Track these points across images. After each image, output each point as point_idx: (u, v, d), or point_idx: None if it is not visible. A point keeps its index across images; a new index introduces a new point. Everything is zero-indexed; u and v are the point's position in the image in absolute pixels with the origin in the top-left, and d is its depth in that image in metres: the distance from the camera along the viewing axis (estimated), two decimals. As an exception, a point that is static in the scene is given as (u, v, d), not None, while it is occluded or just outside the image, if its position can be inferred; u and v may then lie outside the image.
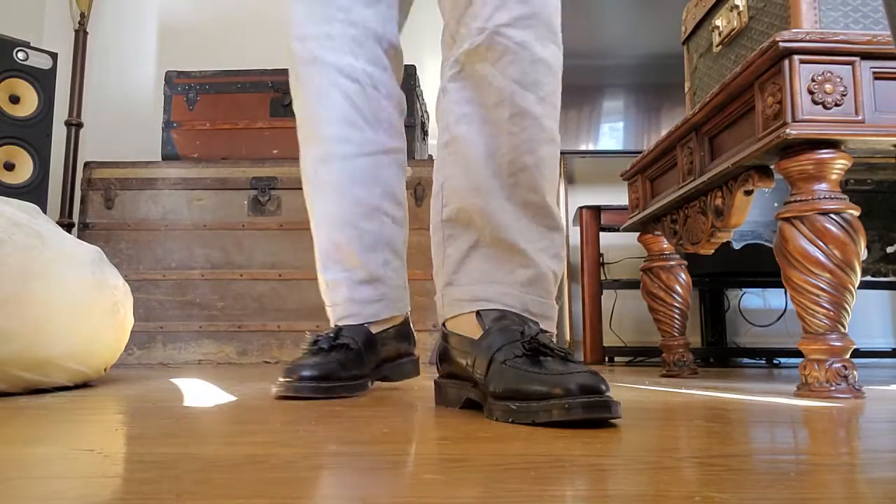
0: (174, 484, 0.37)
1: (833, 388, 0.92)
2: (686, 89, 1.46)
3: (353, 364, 0.92)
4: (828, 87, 0.94)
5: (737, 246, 1.55)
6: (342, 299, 0.98)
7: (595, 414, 0.60)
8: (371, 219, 0.97)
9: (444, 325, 0.81)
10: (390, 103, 0.99)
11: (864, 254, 0.95)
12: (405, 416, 0.72)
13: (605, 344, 2.28)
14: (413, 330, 1.07)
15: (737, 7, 1.19)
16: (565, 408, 0.60)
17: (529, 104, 0.76)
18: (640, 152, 1.57)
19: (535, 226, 0.77)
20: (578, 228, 2.34)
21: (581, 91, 2.47)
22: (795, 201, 0.96)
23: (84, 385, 1.11)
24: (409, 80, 2.06)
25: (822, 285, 0.93)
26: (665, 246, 1.51)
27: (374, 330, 0.98)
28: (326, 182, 0.97)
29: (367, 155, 0.97)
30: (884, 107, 0.95)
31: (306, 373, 0.88)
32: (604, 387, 0.61)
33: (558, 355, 0.66)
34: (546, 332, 0.74)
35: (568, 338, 2.52)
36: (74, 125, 2.50)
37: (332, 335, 0.93)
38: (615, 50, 2.49)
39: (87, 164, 2.13)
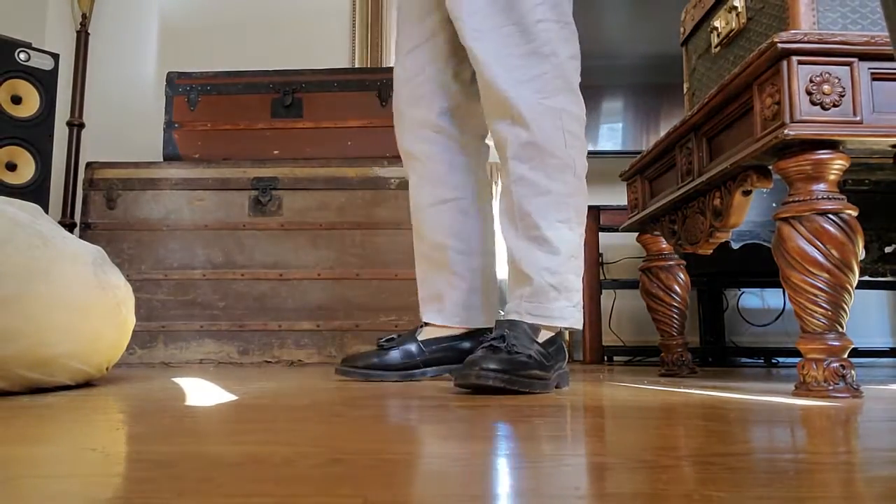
0: (176, 483, 0.38)
1: (831, 387, 0.93)
2: (685, 90, 1.46)
3: (400, 359, 1.25)
4: (826, 87, 0.94)
5: (735, 246, 1.55)
6: (421, 310, 1.34)
7: (480, 381, 0.93)
8: (437, 250, 1.30)
9: None
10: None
11: (862, 254, 0.95)
12: (405, 415, 0.72)
13: (604, 343, 2.28)
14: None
15: (735, 8, 1.19)
16: (472, 375, 0.94)
17: (524, 172, 1.11)
18: (639, 153, 1.58)
19: (539, 252, 1.10)
20: (578, 228, 2.34)
21: (581, 91, 2.47)
22: (794, 201, 0.96)
23: (86, 384, 1.11)
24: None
25: (821, 285, 0.94)
26: (664, 246, 1.51)
27: (421, 337, 1.28)
28: (414, 228, 1.35)
29: (431, 206, 1.30)
30: (882, 107, 0.95)
31: (360, 362, 1.24)
32: (493, 365, 0.94)
33: (501, 347, 0.99)
34: (538, 326, 1.09)
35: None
36: (76, 126, 2.50)
37: (391, 337, 1.29)
38: (615, 50, 2.49)
39: (88, 165, 2.14)
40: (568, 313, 1.10)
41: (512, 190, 1.12)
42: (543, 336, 1.08)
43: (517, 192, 1.11)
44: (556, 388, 1.07)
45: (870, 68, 0.95)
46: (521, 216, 1.11)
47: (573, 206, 1.12)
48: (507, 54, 1.10)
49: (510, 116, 1.11)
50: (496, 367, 0.95)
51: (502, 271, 1.36)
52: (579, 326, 1.14)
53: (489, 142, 1.31)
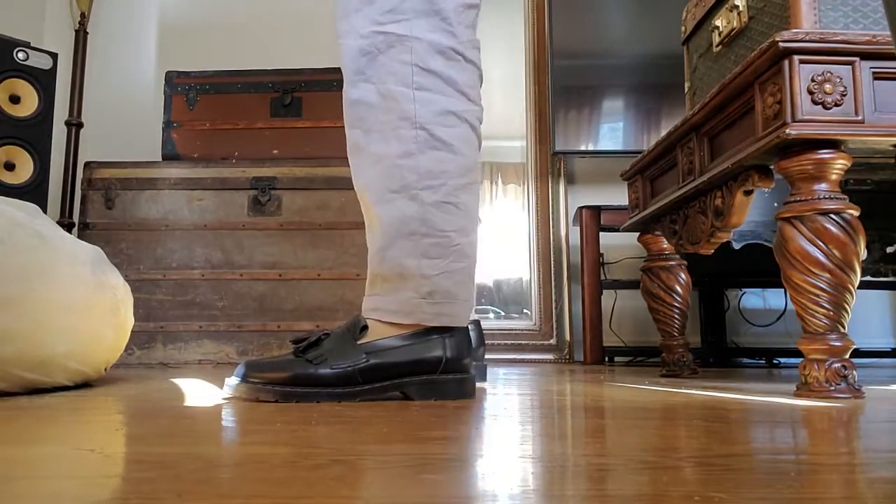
0: (174, 483, 0.37)
1: (833, 387, 0.92)
2: (686, 89, 1.46)
3: None
4: (827, 87, 0.94)
5: (737, 246, 1.55)
6: None
7: (248, 394, 0.85)
8: None
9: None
10: None
11: (863, 254, 0.95)
12: (405, 416, 0.72)
13: (605, 344, 2.28)
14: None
15: (736, 7, 1.19)
16: (242, 387, 0.86)
17: (356, 138, 0.91)
18: (640, 152, 1.57)
19: (370, 234, 0.92)
20: (578, 228, 2.34)
21: (581, 91, 2.47)
22: (795, 201, 0.96)
23: (84, 385, 1.11)
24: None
25: (822, 285, 0.93)
26: (665, 246, 1.51)
27: None
28: None
29: None
30: (883, 107, 0.95)
31: None
32: (266, 374, 0.85)
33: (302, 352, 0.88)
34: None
35: (568, 338, 2.52)
36: (75, 125, 2.50)
37: None
38: (615, 50, 2.49)
39: (87, 164, 2.13)
40: (412, 306, 0.87)
41: (350, 162, 0.94)
42: (401, 332, 0.88)
43: (353, 166, 0.93)
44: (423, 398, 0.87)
45: (871, 67, 0.95)
46: (359, 194, 0.93)
47: (413, 168, 0.87)
48: None
49: (342, 65, 0.91)
50: (259, 379, 0.84)
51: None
52: (438, 322, 0.88)
53: None
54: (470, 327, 1.13)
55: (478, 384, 1.06)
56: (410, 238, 0.87)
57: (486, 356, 1.26)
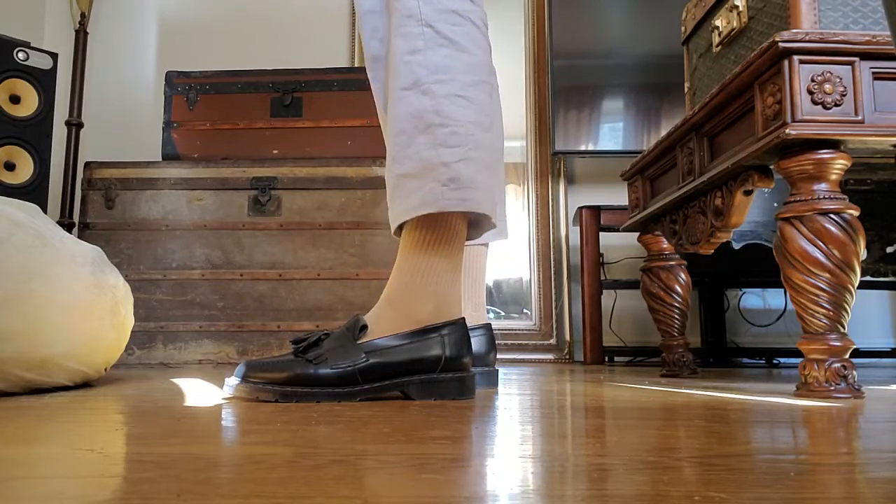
0: (174, 483, 0.37)
1: (832, 387, 0.92)
2: (686, 89, 1.46)
3: None
4: (827, 87, 0.94)
5: (736, 246, 1.55)
6: None
7: (248, 395, 0.85)
8: None
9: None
10: None
11: (863, 254, 0.95)
12: (405, 416, 0.72)
13: (605, 344, 2.28)
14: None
15: (736, 7, 1.19)
16: (242, 387, 0.86)
17: (374, 49, 0.97)
18: (639, 152, 1.58)
19: (389, 141, 0.91)
20: (578, 228, 2.34)
21: (581, 91, 2.47)
22: (795, 201, 0.96)
23: (84, 385, 1.11)
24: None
25: (822, 285, 0.93)
26: (665, 246, 1.51)
27: None
28: None
29: None
30: (883, 107, 0.95)
31: None
32: (266, 374, 0.86)
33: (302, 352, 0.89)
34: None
35: (568, 338, 2.52)
36: (75, 125, 2.50)
37: None
38: (615, 50, 2.49)
39: (87, 164, 2.14)
40: (435, 195, 0.85)
41: (371, 83, 1.00)
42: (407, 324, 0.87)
43: (372, 82, 1.00)
44: (425, 398, 0.87)
45: (871, 67, 0.95)
46: (379, 114, 0.97)
47: (422, 62, 0.87)
48: None
49: None
50: (260, 379, 0.84)
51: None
52: (462, 208, 0.86)
53: None
54: (480, 331, 1.13)
55: (488, 389, 1.05)
56: (427, 131, 0.86)
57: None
